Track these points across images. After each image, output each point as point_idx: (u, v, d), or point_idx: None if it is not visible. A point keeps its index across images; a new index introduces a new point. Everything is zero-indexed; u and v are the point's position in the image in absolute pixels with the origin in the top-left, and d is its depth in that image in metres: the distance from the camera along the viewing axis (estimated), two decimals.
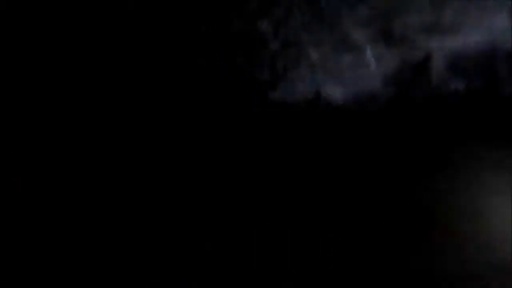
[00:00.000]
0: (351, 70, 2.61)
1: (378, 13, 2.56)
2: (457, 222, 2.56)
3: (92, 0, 2.69)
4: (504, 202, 2.56)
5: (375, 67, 2.51)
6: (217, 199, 2.65)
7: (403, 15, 2.54)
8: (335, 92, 2.65)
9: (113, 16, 2.69)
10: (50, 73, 2.70)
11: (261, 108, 2.64)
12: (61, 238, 2.64)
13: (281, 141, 2.67)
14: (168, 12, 2.70)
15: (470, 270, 2.49)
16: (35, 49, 2.70)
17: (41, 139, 2.67)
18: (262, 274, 2.58)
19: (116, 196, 2.65)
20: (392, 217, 2.58)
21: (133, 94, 2.69)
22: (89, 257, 2.62)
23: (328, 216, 2.61)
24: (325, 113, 2.65)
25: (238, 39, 2.68)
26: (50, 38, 2.70)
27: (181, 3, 2.70)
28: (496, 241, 2.52)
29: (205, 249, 2.61)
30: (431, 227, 2.57)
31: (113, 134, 2.67)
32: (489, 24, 2.56)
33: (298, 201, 2.63)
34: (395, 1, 2.54)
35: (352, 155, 2.65)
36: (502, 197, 2.56)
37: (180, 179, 2.67)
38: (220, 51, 2.69)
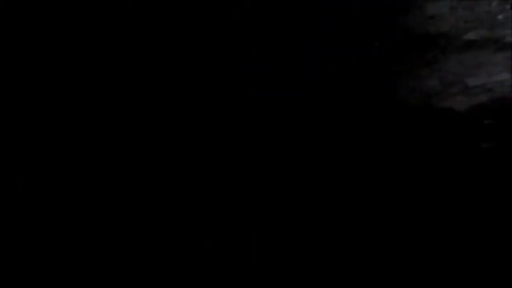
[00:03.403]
0: None
1: None
2: None
3: (92, 0, 2.70)
4: None
5: None
6: (217, 199, 2.65)
7: None
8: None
9: (113, 16, 2.69)
10: (50, 73, 2.70)
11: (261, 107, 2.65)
12: (61, 238, 2.64)
13: (281, 141, 2.67)
14: (168, 12, 2.70)
15: None
16: (35, 49, 2.70)
17: (41, 139, 2.67)
18: (262, 274, 2.59)
19: (116, 196, 2.65)
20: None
21: (133, 93, 2.69)
22: (89, 257, 2.62)
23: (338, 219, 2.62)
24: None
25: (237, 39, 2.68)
26: (50, 38, 2.70)
27: (181, 3, 2.70)
28: None
29: (205, 249, 2.62)
30: None
31: (113, 134, 2.68)
32: None
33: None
34: None
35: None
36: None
37: (180, 179, 2.67)
38: (220, 51, 2.69)
